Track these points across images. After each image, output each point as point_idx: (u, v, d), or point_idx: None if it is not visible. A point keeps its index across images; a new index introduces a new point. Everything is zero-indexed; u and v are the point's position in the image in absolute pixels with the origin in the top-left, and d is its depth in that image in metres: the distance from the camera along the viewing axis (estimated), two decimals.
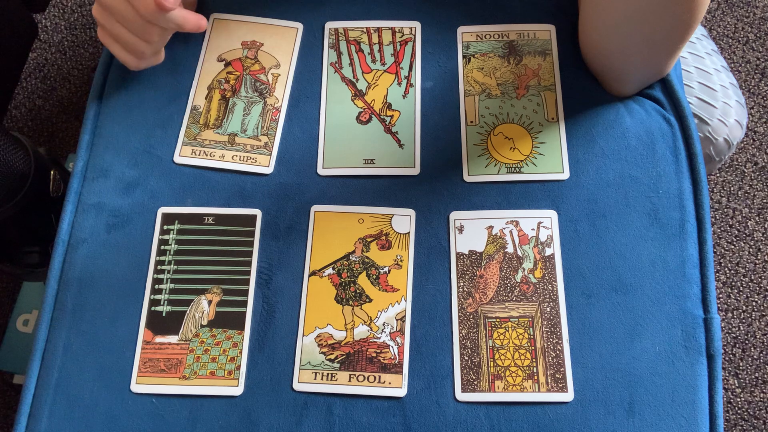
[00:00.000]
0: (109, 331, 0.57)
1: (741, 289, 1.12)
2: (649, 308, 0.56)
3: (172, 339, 0.57)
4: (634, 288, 0.57)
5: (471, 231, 0.59)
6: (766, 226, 1.15)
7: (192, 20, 0.57)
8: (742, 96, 0.75)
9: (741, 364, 1.09)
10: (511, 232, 0.59)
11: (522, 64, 0.64)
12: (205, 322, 0.57)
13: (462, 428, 0.53)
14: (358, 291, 0.58)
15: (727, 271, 1.13)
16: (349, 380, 0.55)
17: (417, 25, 0.66)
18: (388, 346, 0.56)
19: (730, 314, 1.11)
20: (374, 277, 0.58)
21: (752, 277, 1.13)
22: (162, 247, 0.59)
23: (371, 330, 0.56)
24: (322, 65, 0.66)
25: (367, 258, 0.59)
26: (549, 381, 0.54)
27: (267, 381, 0.55)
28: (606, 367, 0.55)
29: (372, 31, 0.67)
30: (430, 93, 0.64)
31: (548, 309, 0.56)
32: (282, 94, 0.64)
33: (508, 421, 0.54)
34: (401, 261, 0.58)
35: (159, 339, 0.57)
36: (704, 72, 0.74)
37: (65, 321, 0.57)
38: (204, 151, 0.62)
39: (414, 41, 0.66)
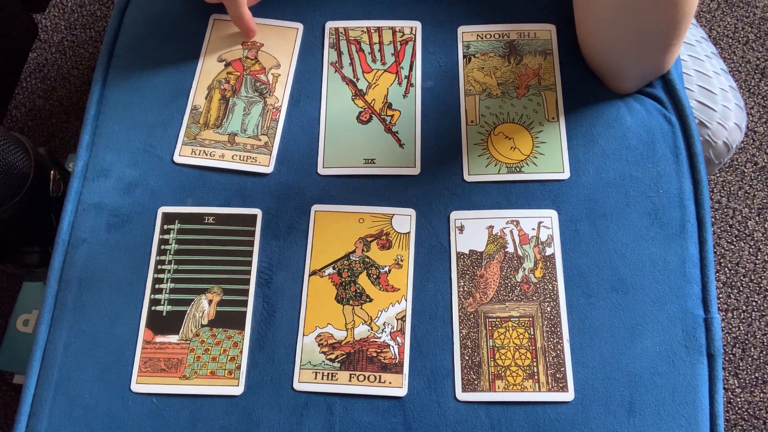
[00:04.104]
0: (109, 330, 0.57)
1: (741, 289, 1.12)
2: (650, 308, 0.56)
3: (173, 339, 0.57)
4: (635, 287, 0.57)
5: (471, 231, 0.59)
6: (766, 226, 1.15)
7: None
8: (741, 99, 0.75)
9: (741, 364, 1.09)
10: (511, 231, 0.59)
11: (522, 64, 0.64)
12: (205, 322, 0.57)
13: (462, 428, 0.53)
14: (358, 290, 0.58)
15: (727, 271, 1.13)
16: (350, 380, 0.55)
17: (417, 25, 0.66)
18: (388, 345, 0.56)
19: (730, 314, 1.11)
20: (374, 276, 0.58)
21: (752, 277, 1.13)
22: (162, 247, 0.59)
23: (371, 330, 0.56)
24: (322, 65, 0.65)
25: (368, 257, 0.58)
26: (549, 381, 0.54)
27: (267, 381, 0.55)
28: (606, 366, 0.55)
29: (372, 31, 0.67)
30: (431, 93, 0.64)
31: (548, 309, 0.56)
32: (282, 93, 0.64)
33: (508, 420, 0.53)
34: (401, 261, 0.58)
35: (159, 339, 0.56)
36: (704, 75, 0.74)
37: (65, 321, 0.57)
38: (204, 151, 0.62)
39: (414, 41, 0.66)
